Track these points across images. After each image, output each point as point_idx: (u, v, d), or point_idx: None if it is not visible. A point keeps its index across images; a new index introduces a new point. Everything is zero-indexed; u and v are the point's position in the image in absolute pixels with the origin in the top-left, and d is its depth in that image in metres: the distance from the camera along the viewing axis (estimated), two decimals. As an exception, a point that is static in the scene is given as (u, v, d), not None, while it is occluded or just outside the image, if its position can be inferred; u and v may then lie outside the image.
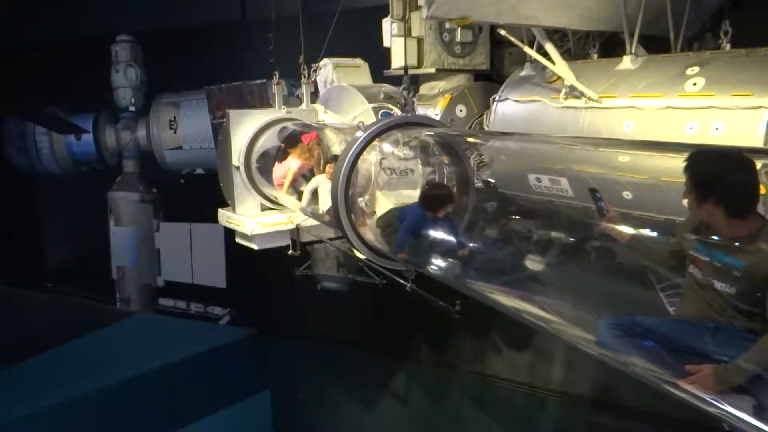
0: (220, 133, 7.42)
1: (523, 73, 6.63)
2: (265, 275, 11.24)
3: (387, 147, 5.14)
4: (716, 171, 2.54)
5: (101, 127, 14.57)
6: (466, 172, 5.17)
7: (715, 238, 2.47)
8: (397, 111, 7.15)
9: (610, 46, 6.44)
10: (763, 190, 3.12)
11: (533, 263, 4.41)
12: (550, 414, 9.19)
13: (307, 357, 12.22)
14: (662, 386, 2.39)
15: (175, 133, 13.46)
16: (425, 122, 4.79)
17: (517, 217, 5.38)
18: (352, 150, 4.25)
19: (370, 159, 5.11)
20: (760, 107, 4.70)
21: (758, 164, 2.67)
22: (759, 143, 4.68)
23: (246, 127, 7.03)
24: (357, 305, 11.18)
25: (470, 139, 5.07)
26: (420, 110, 7.32)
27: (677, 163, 3.24)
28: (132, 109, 14.19)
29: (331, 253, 10.56)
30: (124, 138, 14.26)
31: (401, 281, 5.72)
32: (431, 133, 4.76)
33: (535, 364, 8.95)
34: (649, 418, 7.75)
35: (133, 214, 14.28)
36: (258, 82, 11.01)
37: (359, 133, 4.38)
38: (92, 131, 14.51)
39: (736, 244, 2.40)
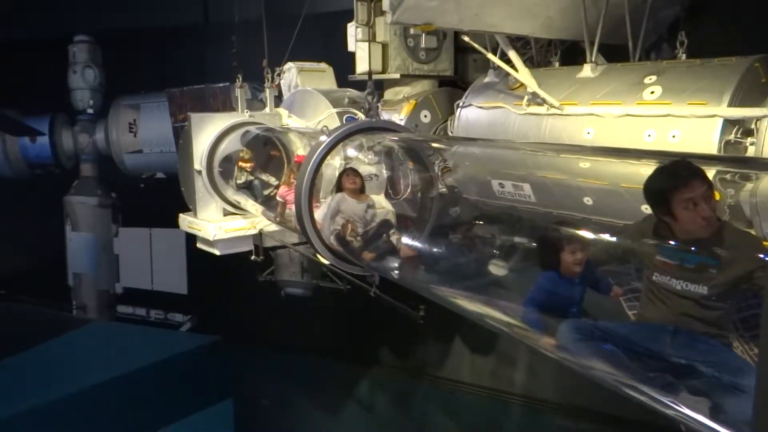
0: (182, 137, 7.29)
1: (486, 80, 6.70)
2: (228, 281, 11.07)
3: (351, 152, 5.13)
4: (671, 180, 2.59)
5: (58, 130, 14.17)
6: (430, 177, 5.19)
7: (680, 243, 2.52)
8: (361, 116, 7.13)
9: (571, 54, 6.56)
10: (716, 196, 3.20)
11: (496, 268, 4.44)
12: (513, 418, 9.26)
13: (271, 364, 12.06)
14: (622, 389, 2.42)
15: (135, 136, 13.18)
16: (389, 127, 4.79)
17: (481, 223, 5.43)
18: (316, 154, 4.22)
19: (334, 164, 5.09)
20: (714, 116, 4.84)
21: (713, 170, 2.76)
22: (713, 150, 4.81)
23: (208, 131, 6.93)
24: (321, 311, 11.10)
25: (434, 145, 5.07)
26: (384, 115, 7.32)
27: (636, 169, 3.30)
28: (90, 111, 13.84)
29: (295, 258, 10.47)
30: (81, 141, 13.90)
31: (365, 286, 5.68)
32: (396, 138, 4.75)
33: (499, 368, 9.01)
34: (610, 420, 7.88)
35: (90, 219, 13.91)
36: (221, 85, 10.89)
37: (323, 138, 4.35)
38: (48, 134, 14.10)
39: (707, 244, 2.45)
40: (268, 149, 6.78)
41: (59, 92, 13.80)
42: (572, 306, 2.76)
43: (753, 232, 3.78)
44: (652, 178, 2.69)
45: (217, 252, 7.09)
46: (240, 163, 6.71)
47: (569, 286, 2.78)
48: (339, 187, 4.78)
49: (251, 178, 6.62)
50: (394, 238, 4.56)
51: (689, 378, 2.32)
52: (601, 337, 2.54)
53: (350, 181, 4.71)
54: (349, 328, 10.84)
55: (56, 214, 14.38)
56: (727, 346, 2.42)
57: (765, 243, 3.70)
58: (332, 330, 11.44)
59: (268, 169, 6.75)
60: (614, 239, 3.01)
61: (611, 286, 2.88)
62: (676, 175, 2.60)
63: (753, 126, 4.70)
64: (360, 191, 4.75)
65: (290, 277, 10.81)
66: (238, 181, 6.67)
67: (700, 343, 2.42)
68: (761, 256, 2.46)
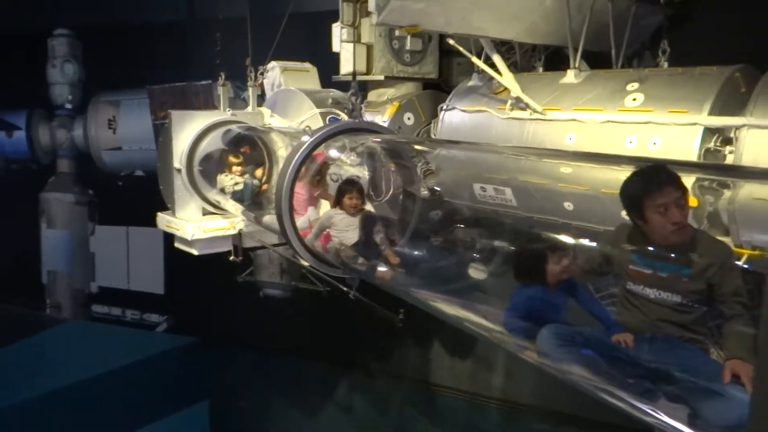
0: (162, 134, 7.19)
1: (470, 83, 6.70)
2: (206, 281, 10.93)
3: (334, 153, 5.09)
4: (643, 188, 2.61)
5: (35, 125, 13.93)
6: (413, 179, 5.16)
7: (653, 249, 2.52)
8: (345, 117, 7.09)
9: (555, 60, 6.59)
10: (694, 202, 3.22)
11: (476, 272, 4.43)
12: (492, 422, 9.27)
13: (248, 366, 11.96)
14: (601, 395, 2.41)
15: (114, 133, 12.99)
16: (372, 128, 4.75)
17: (462, 226, 5.41)
18: (298, 155, 4.17)
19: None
20: (695, 124, 4.88)
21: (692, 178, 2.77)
22: (693, 158, 4.85)
23: (189, 129, 6.83)
24: (300, 313, 11.02)
25: (417, 147, 5.05)
26: (368, 117, 7.29)
27: (616, 175, 3.31)
28: (69, 106, 13.63)
29: (274, 259, 10.38)
30: (59, 136, 13.67)
31: (345, 289, 5.64)
32: (378, 140, 4.72)
33: (478, 372, 9.01)
34: (587, 424, 7.91)
35: (66, 217, 13.68)
36: (203, 83, 10.77)
37: (305, 138, 4.30)
38: (25, 128, 13.85)
39: (680, 252, 2.46)
40: (256, 150, 6.63)
41: (37, 87, 13.57)
42: (553, 317, 2.75)
43: (725, 240, 3.82)
44: (627, 182, 2.70)
45: (195, 252, 6.99)
46: (232, 167, 6.49)
47: (549, 298, 2.77)
48: (338, 200, 4.61)
49: (241, 181, 6.41)
50: (383, 244, 4.44)
51: (667, 384, 2.32)
52: (581, 342, 2.54)
53: (352, 202, 4.55)
54: (327, 330, 10.76)
55: (31, 210, 14.13)
56: (703, 352, 2.43)
57: (737, 250, 3.75)
58: (311, 332, 11.35)
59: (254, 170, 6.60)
60: (591, 248, 3.00)
61: (590, 295, 2.88)
62: (649, 179, 2.62)
63: (732, 135, 4.75)
64: (362, 205, 4.62)
65: (269, 278, 10.72)
66: (228, 185, 6.44)
67: (676, 349, 2.42)
68: (733, 264, 2.47)
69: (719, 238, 3.42)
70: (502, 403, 8.93)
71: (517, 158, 4.55)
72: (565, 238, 3.55)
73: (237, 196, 6.39)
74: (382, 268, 4.28)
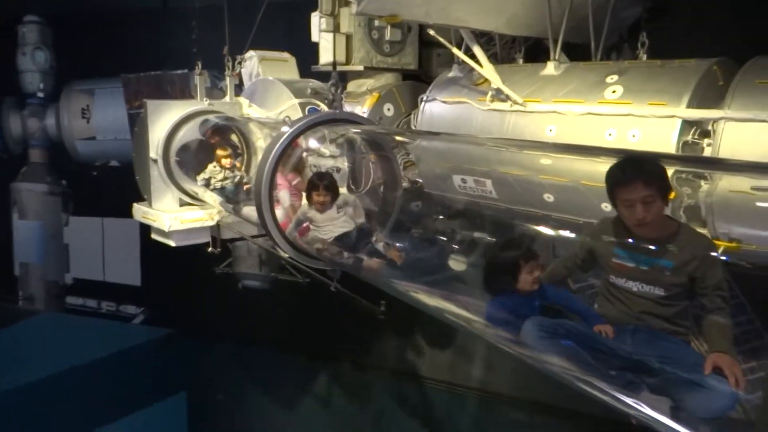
0: (137, 124, 7.05)
1: (450, 75, 6.67)
2: (183, 273, 10.81)
3: (313, 143, 5.04)
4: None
5: (5, 113, 13.59)
6: (394, 171, 5.14)
7: (636, 243, 2.53)
8: (324, 107, 7.03)
9: (535, 51, 6.59)
10: (672, 194, 3.23)
11: (456, 263, 4.43)
12: (470, 411, 9.33)
13: (227, 357, 11.88)
14: (582, 386, 2.42)
15: (88, 122, 12.73)
16: (353, 119, 4.70)
17: (443, 218, 5.41)
18: (278, 145, 4.11)
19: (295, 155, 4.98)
20: (673, 116, 4.92)
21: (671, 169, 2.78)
22: (671, 150, 4.90)
23: (165, 118, 6.71)
24: (279, 304, 10.96)
25: (398, 138, 5.01)
26: (347, 107, 7.23)
27: (596, 167, 3.32)
28: (40, 95, 13.30)
29: (253, 250, 10.29)
30: (30, 126, 13.35)
31: (326, 281, 5.60)
32: (358, 131, 4.67)
33: (456, 363, 9.06)
34: (564, 414, 8.00)
35: (39, 207, 13.39)
36: (179, 72, 10.61)
37: (285, 128, 4.24)
38: (-5, 117, 13.52)
39: (662, 245, 2.47)
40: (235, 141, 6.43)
41: (8, 74, 13.22)
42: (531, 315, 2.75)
43: (706, 233, 3.86)
44: (608, 171, 2.71)
45: (172, 243, 6.88)
46: (221, 161, 6.22)
47: (527, 302, 2.77)
48: (308, 195, 4.50)
49: (231, 176, 6.17)
50: (368, 238, 4.37)
51: (649, 376, 2.33)
52: (564, 335, 2.54)
53: (319, 198, 4.42)
54: (307, 322, 10.72)
55: (2, 201, 13.81)
56: (686, 344, 2.45)
57: (718, 243, 3.79)
58: (290, 323, 11.30)
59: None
60: (574, 241, 3.00)
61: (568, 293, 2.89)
62: (620, 172, 2.64)
63: (710, 127, 4.80)
64: (330, 202, 4.47)
65: (248, 270, 10.63)
66: (216, 179, 6.18)
67: (659, 341, 2.44)
68: (714, 257, 2.49)
69: (698, 230, 3.46)
70: (480, 393, 8.99)
71: (498, 150, 4.54)
72: (545, 233, 3.55)
73: (225, 192, 6.18)
74: (367, 262, 4.23)
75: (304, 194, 4.77)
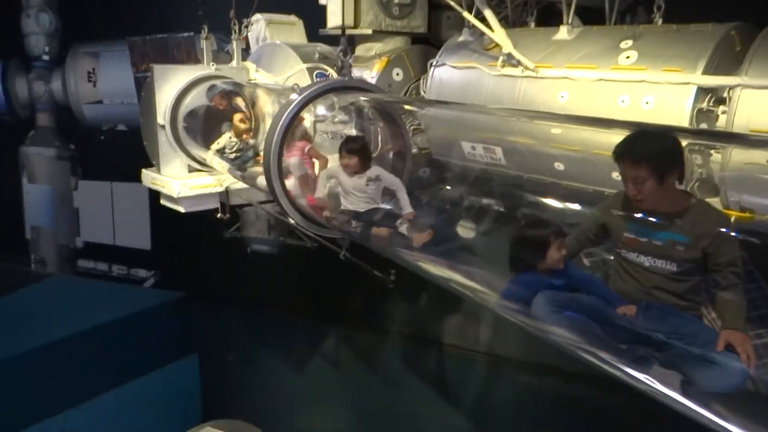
0: (144, 89, 6.99)
1: (461, 39, 6.54)
2: (193, 237, 10.89)
3: (322, 110, 4.98)
4: (647, 149, 2.58)
5: (11, 77, 13.52)
6: (403, 138, 5.09)
7: (650, 218, 2.52)
8: (332, 72, 6.94)
9: (547, 15, 6.45)
10: (679, 172, 3.18)
11: (464, 230, 4.42)
12: (479, 374, 9.46)
13: (237, 320, 12.03)
14: (593, 360, 2.43)
15: (94, 86, 12.65)
16: (362, 86, 4.64)
17: (451, 185, 5.38)
18: (287, 113, 4.07)
19: (304, 122, 4.94)
20: (688, 83, 4.83)
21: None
22: (685, 118, 4.82)
23: (172, 84, 6.65)
24: (288, 268, 11.04)
25: (407, 107, 4.95)
26: (356, 72, 7.13)
27: (608, 137, 3.27)
28: (46, 58, 13.20)
29: (261, 215, 10.32)
30: (37, 89, 13.29)
31: (335, 248, 5.62)
32: (368, 99, 4.61)
33: (465, 327, 9.14)
34: (571, 377, 8.10)
35: (48, 171, 13.44)
36: (185, 35, 10.49)
37: (294, 96, 4.19)
38: (1, 80, 13.44)
39: (675, 220, 2.46)
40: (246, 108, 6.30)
41: (12, 37, 13.10)
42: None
43: (718, 202, 3.82)
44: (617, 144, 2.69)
45: (182, 209, 6.90)
46: (238, 128, 6.05)
47: (550, 282, 2.75)
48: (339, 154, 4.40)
49: (243, 146, 6.01)
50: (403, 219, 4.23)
51: (661, 351, 2.34)
52: (576, 309, 2.55)
53: (344, 163, 4.32)
54: (315, 286, 10.82)
55: (12, 165, 13.86)
56: (698, 319, 2.45)
57: (730, 213, 3.75)
58: (299, 287, 11.41)
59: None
60: (587, 215, 2.98)
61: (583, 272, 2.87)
62: (621, 147, 2.61)
63: (726, 95, 4.71)
64: (360, 168, 4.36)
65: (257, 234, 10.69)
66: (229, 148, 6.06)
67: (671, 317, 2.44)
68: (728, 233, 2.47)
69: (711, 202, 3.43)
70: (489, 357, 9.10)
71: (508, 120, 4.47)
72: (557, 202, 3.53)
73: (240, 161, 6.06)
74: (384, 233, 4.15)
75: (315, 161, 4.73)
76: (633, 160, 2.56)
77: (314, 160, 4.83)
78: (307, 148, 4.93)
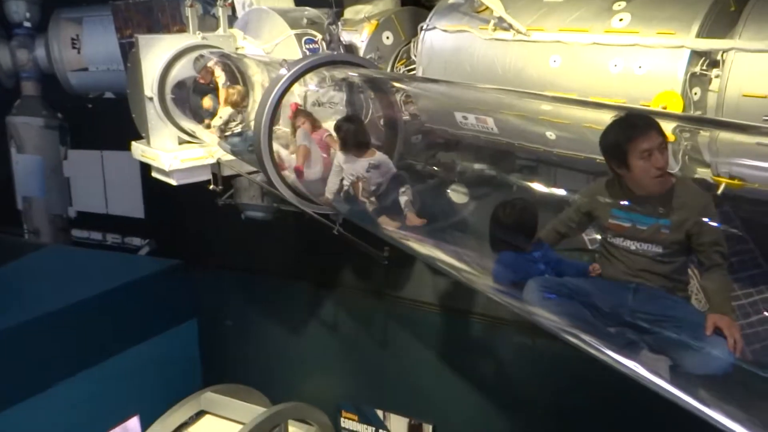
0: (130, 60, 6.86)
1: (451, 1, 6.41)
2: (187, 204, 10.85)
3: (312, 81, 4.91)
4: (626, 135, 2.57)
5: (-7, 44, 13.21)
6: (393, 107, 5.04)
7: (632, 202, 2.53)
8: (320, 38, 6.81)
9: (539, -26, 6.29)
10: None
11: (457, 195, 4.42)
12: (474, 335, 9.61)
13: (233, 286, 12.11)
14: (583, 346, 2.47)
15: (78, 53, 12.35)
16: (352, 61, 4.56)
17: (443, 152, 5.36)
18: (276, 90, 4.01)
19: (294, 93, 4.86)
20: (682, 47, 4.77)
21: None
22: (678, 83, 4.78)
23: (158, 54, 6.53)
24: (283, 234, 11.06)
25: (397, 85, 4.87)
26: (345, 36, 7.00)
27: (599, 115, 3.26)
28: (27, 24, 12.86)
29: (254, 181, 10.26)
30: (20, 57, 12.99)
31: (328, 223, 5.61)
32: (357, 74, 4.54)
33: (459, 290, 9.22)
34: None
35: (37, 141, 13.28)
36: (169, -3, 10.19)
37: (283, 71, 4.13)
38: (-19, 48, 13.15)
39: (659, 203, 2.47)
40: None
41: (-10, 3, 12.76)
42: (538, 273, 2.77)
43: (708, 173, 3.82)
44: (608, 130, 2.67)
45: (173, 182, 6.87)
46: (237, 104, 5.88)
47: (534, 259, 2.77)
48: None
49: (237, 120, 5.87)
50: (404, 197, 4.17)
51: (649, 334, 2.38)
52: (566, 294, 2.58)
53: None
54: (310, 251, 10.86)
55: (0, 135, 13.70)
56: (685, 301, 2.48)
57: (716, 179, 3.75)
58: (294, 253, 11.45)
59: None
60: (570, 202, 2.97)
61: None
62: (632, 125, 2.59)
63: (719, 57, 4.66)
64: (352, 148, 4.29)
65: (250, 201, 10.64)
66: (235, 123, 5.84)
67: (659, 299, 2.47)
68: (711, 213, 2.49)
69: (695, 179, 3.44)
70: (483, 318, 9.22)
71: (498, 96, 4.43)
72: (544, 199, 3.49)
73: (243, 137, 5.88)
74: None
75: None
76: (658, 128, 2.55)
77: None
78: (325, 135, 4.80)
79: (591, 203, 2.73)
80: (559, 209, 3.06)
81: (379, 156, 4.37)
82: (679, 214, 2.47)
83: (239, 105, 5.85)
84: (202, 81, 6.23)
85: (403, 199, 4.16)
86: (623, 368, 2.31)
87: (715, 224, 2.43)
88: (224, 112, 5.90)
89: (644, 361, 2.30)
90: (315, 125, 4.64)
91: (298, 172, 4.54)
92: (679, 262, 2.51)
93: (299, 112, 4.67)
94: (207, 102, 6.10)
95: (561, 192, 3.33)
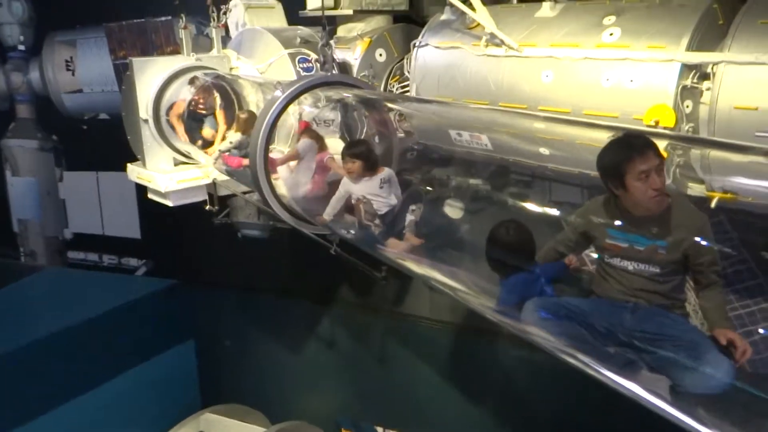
0: (124, 83, 6.88)
1: (443, 17, 6.46)
2: (183, 224, 10.83)
3: (307, 102, 4.93)
4: (623, 155, 2.57)
5: (-13, 68, 13.25)
6: (388, 125, 5.06)
7: (630, 223, 2.53)
8: (314, 56, 6.85)
9: (528, -10, 6.35)
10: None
11: (452, 210, 4.42)
12: (472, 349, 9.57)
13: (231, 305, 12.07)
14: (584, 369, 2.46)
15: (73, 75, 12.41)
16: (345, 81, 4.59)
17: (438, 168, 5.36)
18: (270, 112, 4.02)
19: (289, 113, 4.88)
20: (672, 60, 4.81)
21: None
22: (670, 96, 4.82)
23: (152, 76, 6.54)
24: (279, 252, 11.04)
25: (391, 106, 4.89)
26: (339, 54, 7.04)
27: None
28: (21, 48, 12.92)
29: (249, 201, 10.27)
30: (14, 80, 13.04)
31: (326, 243, 5.61)
32: (350, 95, 4.56)
33: (457, 304, 9.18)
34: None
35: (31, 164, 13.29)
36: (163, 19, 10.26)
37: (278, 93, 4.14)
38: (-24, 73, 13.18)
39: (656, 224, 2.47)
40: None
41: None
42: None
43: (703, 188, 3.83)
44: (605, 151, 2.67)
45: (170, 203, 6.87)
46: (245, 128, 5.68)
47: (536, 280, 2.76)
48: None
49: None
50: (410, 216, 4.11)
51: (648, 353, 2.37)
52: (565, 315, 2.57)
53: (347, 168, 4.16)
54: (307, 268, 10.83)
55: (-5, 158, 13.68)
56: (684, 319, 2.48)
57: (709, 194, 3.77)
58: (291, 270, 11.43)
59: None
60: (567, 222, 2.97)
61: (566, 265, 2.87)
62: (630, 146, 2.59)
63: (710, 70, 4.70)
64: (366, 170, 4.20)
65: (246, 219, 10.66)
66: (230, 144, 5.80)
67: (657, 318, 2.47)
68: (708, 233, 2.49)
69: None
70: (481, 333, 9.19)
71: (492, 115, 4.45)
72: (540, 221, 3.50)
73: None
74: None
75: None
76: (655, 149, 2.55)
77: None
78: (326, 158, 4.77)
79: (588, 223, 2.73)
80: (555, 225, 3.07)
81: (387, 170, 4.35)
82: (676, 234, 2.48)
83: (244, 128, 5.80)
84: (199, 107, 6.24)
85: (408, 218, 4.13)
86: (622, 389, 2.30)
87: (711, 245, 2.43)
88: (233, 137, 5.89)
89: (643, 380, 2.29)
90: (321, 146, 4.61)
91: (272, 164, 4.44)
92: (677, 281, 2.51)
93: (308, 130, 4.65)
94: (207, 132, 6.10)
95: (556, 209, 3.33)
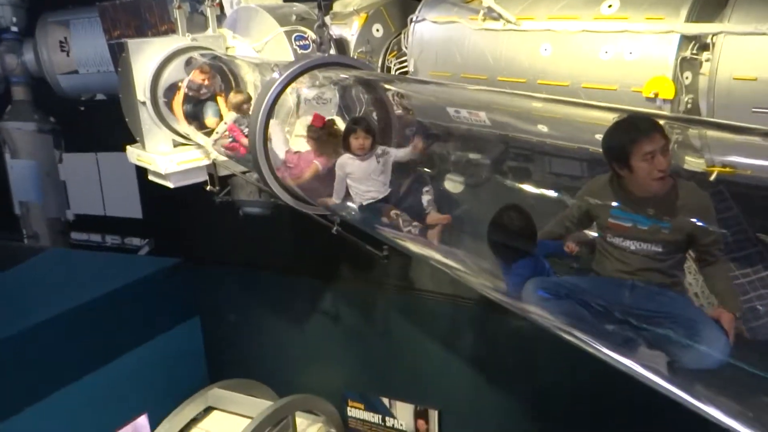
0: (120, 65, 6.84)
1: (440, -10, 6.39)
2: (184, 203, 10.84)
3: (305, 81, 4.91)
4: (629, 137, 2.58)
5: (-20, 51, 13.13)
6: (386, 105, 5.05)
7: (633, 202, 2.55)
8: (310, 34, 6.80)
9: (526, -39, 6.26)
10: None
11: (452, 184, 4.44)
12: (474, 320, 9.68)
13: (235, 282, 12.16)
14: (581, 345, 2.52)
15: (67, 55, 12.28)
16: (343, 62, 4.57)
17: (437, 143, 5.36)
18: (268, 95, 4.02)
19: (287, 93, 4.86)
20: (671, 31, 4.78)
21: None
22: (669, 68, 4.80)
23: (148, 58, 6.51)
24: (280, 228, 11.09)
25: (388, 87, 4.88)
26: (335, 30, 6.98)
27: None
28: (14, 29, 12.77)
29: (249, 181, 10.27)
30: (9, 62, 12.92)
31: (327, 223, 5.64)
32: (348, 76, 4.55)
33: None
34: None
35: (30, 146, 13.25)
36: (156, -4, 10.12)
37: (275, 75, 4.14)
38: (-30, 54, 13.06)
39: (660, 205, 2.49)
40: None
41: (-24, 8, 12.64)
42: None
43: (702, 163, 3.85)
44: (611, 131, 2.67)
45: (170, 185, 6.90)
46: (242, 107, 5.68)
47: (539, 262, 2.79)
48: (346, 145, 4.16)
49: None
50: (426, 196, 4.08)
51: (646, 330, 2.42)
52: (564, 294, 2.61)
53: (358, 144, 4.09)
54: (309, 244, 10.88)
55: (-7, 141, 13.65)
56: (683, 297, 2.52)
57: (708, 169, 3.78)
58: (293, 246, 11.49)
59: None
60: (569, 201, 2.98)
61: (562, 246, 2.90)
62: (636, 127, 2.60)
63: (709, 41, 4.67)
64: (370, 146, 4.16)
65: (247, 197, 10.66)
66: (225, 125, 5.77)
67: (656, 295, 2.51)
68: (712, 214, 2.51)
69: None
70: (482, 304, 9.28)
71: (491, 95, 4.44)
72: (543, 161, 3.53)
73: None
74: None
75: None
76: (661, 130, 2.55)
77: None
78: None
79: (591, 202, 2.75)
80: (557, 201, 3.09)
81: (381, 147, 4.33)
82: (680, 215, 2.50)
83: (245, 111, 5.72)
84: (200, 92, 6.20)
85: (426, 198, 4.10)
86: (621, 366, 2.36)
87: (715, 226, 2.45)
88: (229, 117, 5.87)
89: (642, 357, 2.35)
90: (336, 150, 4.52)
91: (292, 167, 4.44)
92: (677, 258, 2.54)
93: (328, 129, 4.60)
94: (210, 121, 6.06)
95: (557, 184, 3.35)
